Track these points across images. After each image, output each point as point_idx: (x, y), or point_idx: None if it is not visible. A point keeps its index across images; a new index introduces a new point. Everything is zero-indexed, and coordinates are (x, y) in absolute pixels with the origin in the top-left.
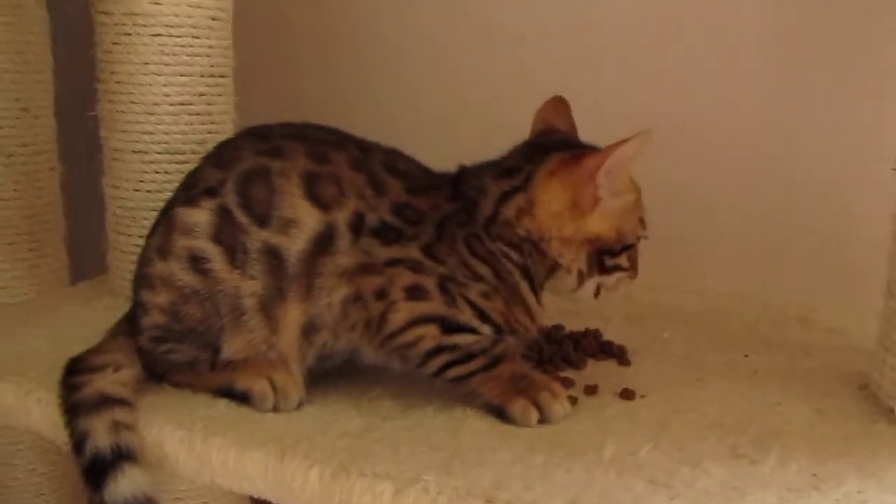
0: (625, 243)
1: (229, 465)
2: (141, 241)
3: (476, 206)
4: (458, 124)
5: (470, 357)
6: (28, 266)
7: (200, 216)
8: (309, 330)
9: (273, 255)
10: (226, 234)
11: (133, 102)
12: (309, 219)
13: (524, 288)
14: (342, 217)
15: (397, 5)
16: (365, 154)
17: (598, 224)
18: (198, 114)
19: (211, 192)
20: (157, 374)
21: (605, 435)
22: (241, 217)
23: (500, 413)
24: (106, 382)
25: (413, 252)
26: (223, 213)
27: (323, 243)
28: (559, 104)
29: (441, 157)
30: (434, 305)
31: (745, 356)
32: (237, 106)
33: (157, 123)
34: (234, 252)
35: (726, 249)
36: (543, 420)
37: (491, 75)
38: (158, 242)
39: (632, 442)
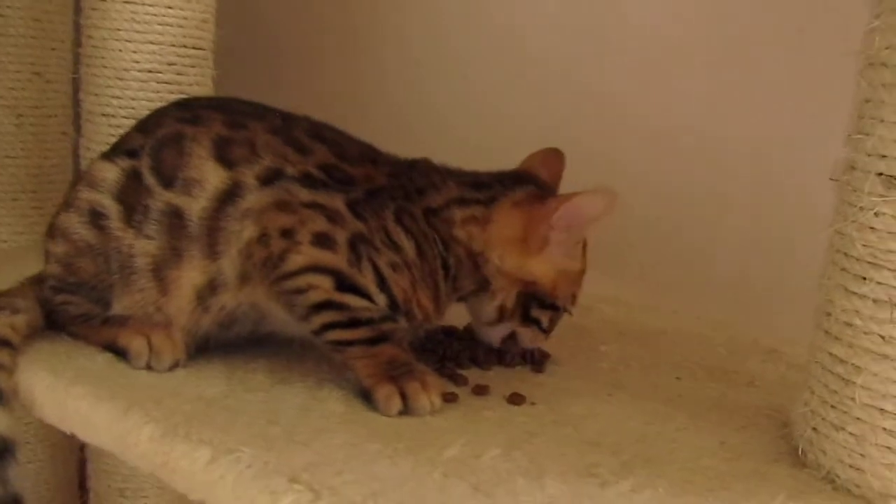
0: (554, 302)
1: (81, 415)
2: None
3: (421, 193)
4: (473, 130)
5: (355, 323)
6: (29, 223)
7: (110, 172)
8: (206, 293)
9: (174, 216)
10: (129, 195)
11: (104, 67)
12: (213, 177)
13: (440, 276)
14: (251, 173)
15: (419, 7)
16: (288, 123)
17: (540, 269)
18: (166, 82)
19: (131, 154)
20: (56, 323)
21: (460, 435)
22: (149, 179)
23: (366, 396)
24: (2, 326)
25: (336, 202)
26: (132, 175)
27: (225, 199)
28: (552, 155)
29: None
30: (336, 259)
31: (678, 379)
32: (222, 82)
33: (125, 88)
34: (132, 212)
35: (705, 272)
36: (406, 411)
37: (511, 83)
38: (69, 193)
39: (482, 446)
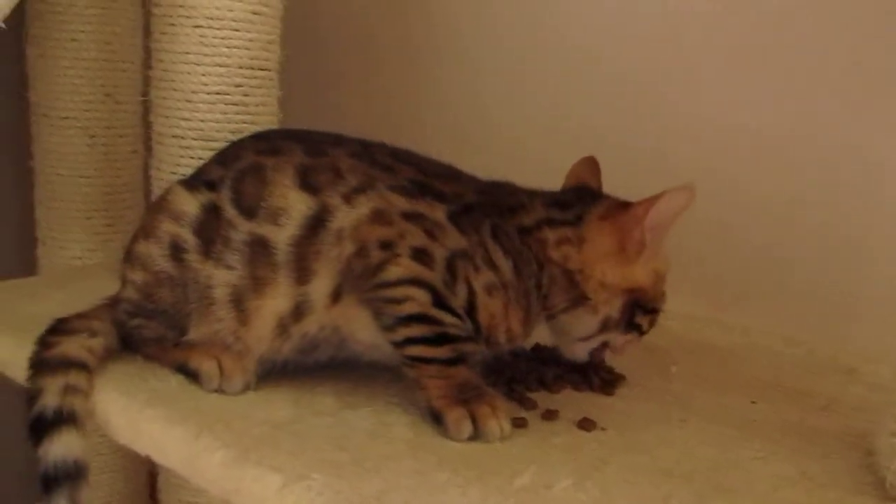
0: (655, 305)
1: (155, 438)
2: None
3: (513, 213)
4: (530, 143)
5: (440, 341)
6: (102, 240)
7: (192, 206)
8: (289, 320)
9: (258, 245)
10: (208, 228)
11: (174, 90)
12: (299, 204)
13: (534, 296)
14: (337, 194)
15: (474, 15)
16: (368, 148)
17: (642, 274)
18: (234, 104)
19: (210, 186)
20: (130, 346)
21: (530, 463)
22: (230, 211)
23: (436, 418)
24: (74, 346)
25: (437, 213)
26: (212, 210)
27: (314, 223)
28: (591, 164)
29: (508, 172)
30: (433, 276)
31: (753, 402)
32: (286, 101)
33: (194, 111)
34: (212, 244)
35: (778, 284)
36: (476, 436)
37: (566, 95)
38: (148, 220)
39: (554, 474)
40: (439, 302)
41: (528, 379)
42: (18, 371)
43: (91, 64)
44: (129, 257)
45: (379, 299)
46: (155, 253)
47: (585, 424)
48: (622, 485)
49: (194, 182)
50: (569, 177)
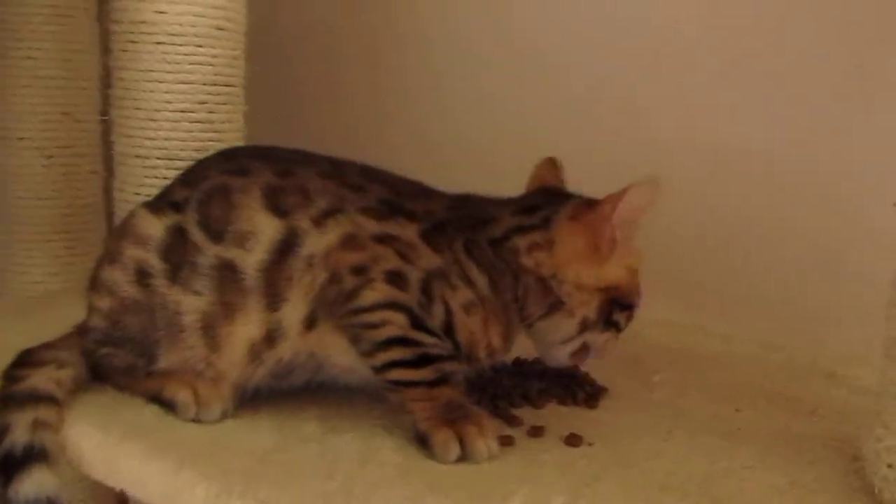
0: (631, 301)
1: (133, 472)
2: None
3: (483, 225)
4: (498, 155)
5: (421, 362)
6: (63, 263)
7: (156, 229)
8: (262, 346)
9: (226, 270)
10: (174, 252)
11: (137, 108)
12: (267, 228)
13: (512, 308)
14: (306, 217)
15: (439, 22)
16: (337, 167)
17: (616, 272)
18: (198, 121)
19: (175, 207)
20: (99, 375)
21: (521, 483)
22: (196, 235)
23: (422, 441)
24: (42, 379)
25: (408, 232)
26: (178, 233)
27: (283, 248)
28: (553, 164)
29: (478, 184)
30: (408, 298)
31: (737, 410)
32: (250, 117)
33: (158, 129)
34: (178, 269)
35: (756, 291)
36: (464, 458)
37: (535, 101)
38: (112, 246)
39: (545, 493)
40: (417, 324)
41: (512, 395)
42: None
43: (49, 83)
44: (95, 284)
45: (356, 325)
46: (120, 279)
47: (573, 440)
48: (616, 501)
49: (159, 204)
50: (532, 179)
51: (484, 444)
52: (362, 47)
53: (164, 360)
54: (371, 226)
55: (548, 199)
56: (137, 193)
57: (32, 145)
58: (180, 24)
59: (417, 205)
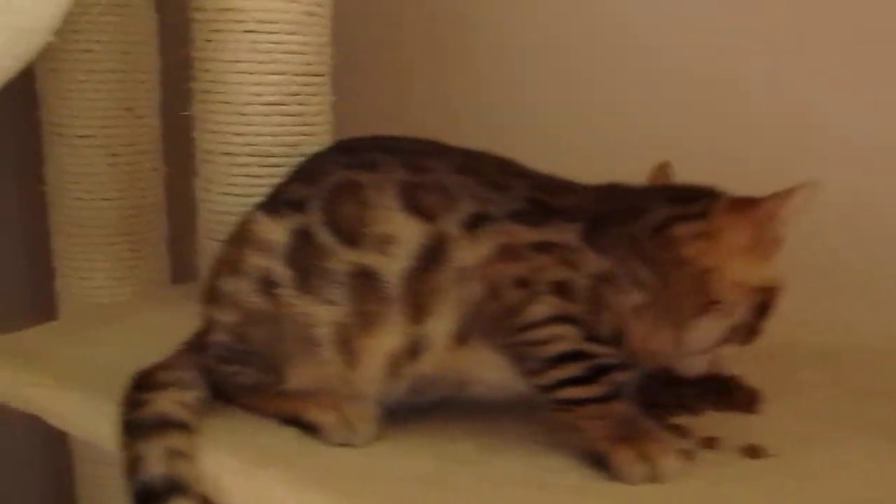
0: (776, 306)
1: (280, 502)
2: None
3: (638, 215)
4: (579, 139)
5: (595, 376)
6: (128, 267)
7: (279, 234)
8: (403, 359)
9: (365, 278)
10: (302, 258)
11: (224, 102)
12: (409, 232)
13: (685, 306)
14: (453, 222)
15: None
16: (471, 160)
17: (775, 271)
18: (290, 115)
19: (295, 206)
20: (223, 395)
21: (719, 501)
22: (326, 237)
23: (598, 461)
24: (168, 403)
25: (568, 236)
26: (303, 236)
27: (432, 256)
28: (668, 169)
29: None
30: (577, 309)
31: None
32: (334, 107)
33: (248, 124)
34: (308, 276)
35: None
36: (651, 477)
37: (618, 88)
38: (231, 254)
39: None
40: (589, 335)
41: (668, 402)
42: (100, 432)
43: (107, 76)
44: (215, 296)
45: (522, 343)
46: (244, 289)
47: (753, 451)
48: None
49: (275, 205)
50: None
51: (672, 461)
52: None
53: (295, 378)
54: (527, 233)
55: (700, 192)
56: (226, 193)
57: (95, 143)
58: (270, 11)
59: (566, 201)
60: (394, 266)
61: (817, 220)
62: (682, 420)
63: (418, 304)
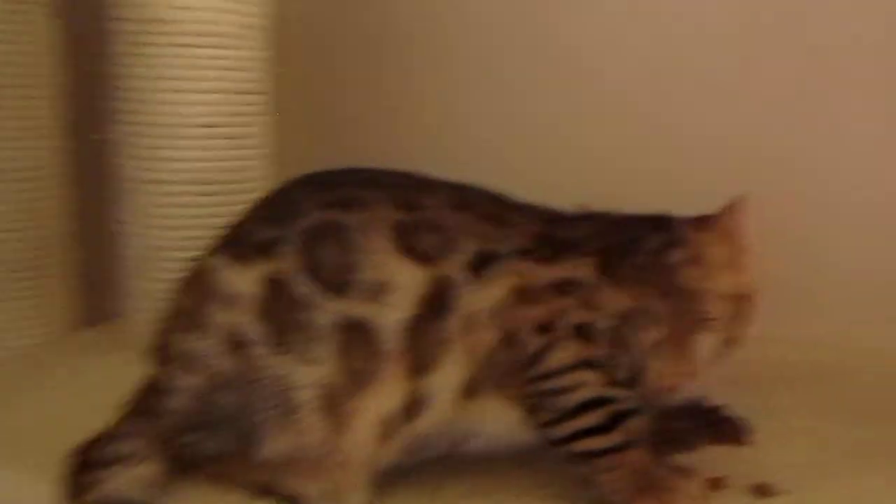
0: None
1: None
2: (161, 286)
3: (640, 244)
4: (518, 155)
5: (614, 424)
6: (32, 307)
7: (247, 284)
8: (399, 420)
9: (355, 330)
10: (277, 312)
11: (152, 124)
12: (408, 277)
13: (694, 334)
14: (457, 263)
15: (454, 17)
16: (465, 194)
17: (749, 279)
18: (229, 137)
19: (264, 251)
20: (184, 465)
21: None
22: (305, 287)
23: None
24: (122, 481)
25: (585, 272)
26: (277, 286)
27: (435, 304)
28: None
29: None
30: (600, 353)
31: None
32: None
33: (182, 149)
34: (285, 332)
35: (850, 296)
36: None
37: (554, 98)
38: (189, 306)
39: None
40: (610, 379)
41: (663, 440)
42: None
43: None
44: (170, 356)
45: (541, 393)
46: (210, 350)
47: (763, 490)
48: None
49: (238, 249)
50: None
51: None
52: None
53: (272, 445)
54: (543, 272)
55: (669, 217)
56: (155, 227)
57: None
58: (204, 23)
59: (570, 233)
60: (391, 317)
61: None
62: (682, 458)
63: (420, 358)
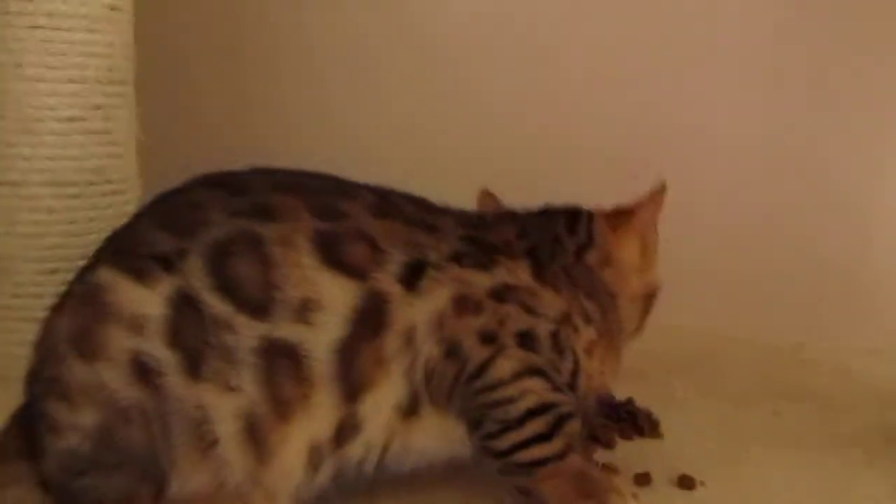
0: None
1: None
2: (15, 301)
3: (560, 244)
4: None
5: (555, 430)
6: None
7: (151, 304)
8: (327, 448)
9: (281, 355)
10: (188, 335)
11: (3, 118)
12: (337, 293)
13: (617, 332)
14: (387, 274)
15: (320, 9)
16: (383, 197)
17: (656, 274)
18: (93, 132)
19: (165, 265)
20: None
21: None
22: (218, 306)
23: None
24: None
25: (521, 275)
26: (185, 305)
27: (368, 320)
28: (492, 196)
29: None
30: (543, 359)
31: (776, 414)
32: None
33: (38, 145)
34: (199, 358)
35: (719, 286)
36: None
37: (426, 91)
38: (76, 330)
39: None
40: (553, 384)
41: (585, 440)
42: None
43: None
44: (59, 390)
45: (486, 405)
46: (112, 380)
47: (686, 482)
48: None
49: (135, 262)
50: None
51: None
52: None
53: (183, 483)
54: (481, 279)
55: (574, 215)
56: (8, 234)
57: None
58: (64, 3)
59: (496, 235)
60: (321, 338)
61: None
62: (601, 456)
63: (354, 381)
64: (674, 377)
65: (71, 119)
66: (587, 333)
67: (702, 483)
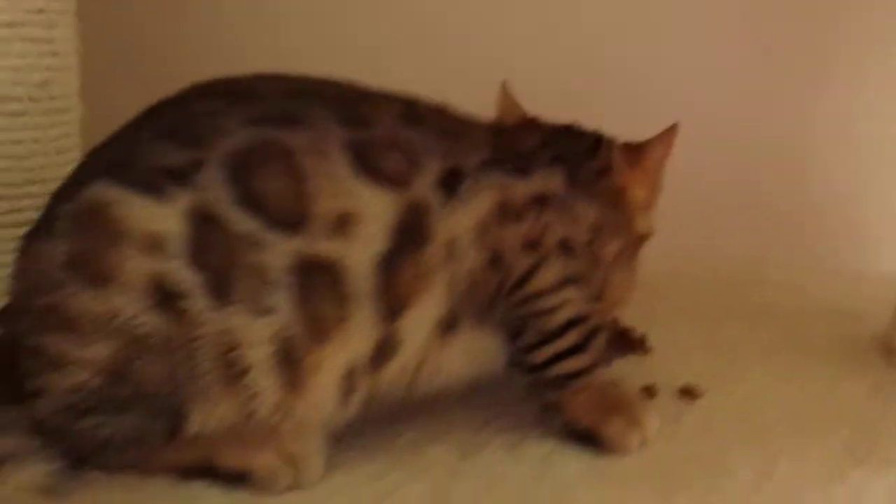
0: None
1: None
2: None
3: (587, 156)
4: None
5: (587, 341)
6: None
7: (168, 221)
8: (361, 372)
9: (318, 272)
10: (213, 254)
11: None
12: (377, 206)
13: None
14: (424, 184)
15: None
16: (409, 106)
17: (653, 216)
18: (34, 40)
19: (178, 180)
20: (77, 455)
21: (702, 454)
22: (245, 222)
23: (588, 438)
24: (9, 490)
25: (556, 184)
26: (206, 221)
27: (409, 232)
28: (510, 96)
29: None
30: (581, 268)
31: (752, 329)
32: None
33: None
34: (226, 279)
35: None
36: (643, 442)
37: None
38: (77, 254)
39: (752, 458)
40: (588, 294)
41: None
42: None
43: None
44: (58, 321)
45: (528, 315)
46: (128, 306)
47: (690, 392)
48: (807, 449)
49: (141, 176)
50: (503, 113)
51: (654, 420)
52: None
53: (205, 417)
54: (518, 186)
55: (584, 138)
56: None
57: None
58: None
59: (524, 143)
60: (361, 253)
61: None
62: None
63: (396, 296)
64: (662, 297)
65: (10, 25)
66: (617, 243)
67: (705, 392)
